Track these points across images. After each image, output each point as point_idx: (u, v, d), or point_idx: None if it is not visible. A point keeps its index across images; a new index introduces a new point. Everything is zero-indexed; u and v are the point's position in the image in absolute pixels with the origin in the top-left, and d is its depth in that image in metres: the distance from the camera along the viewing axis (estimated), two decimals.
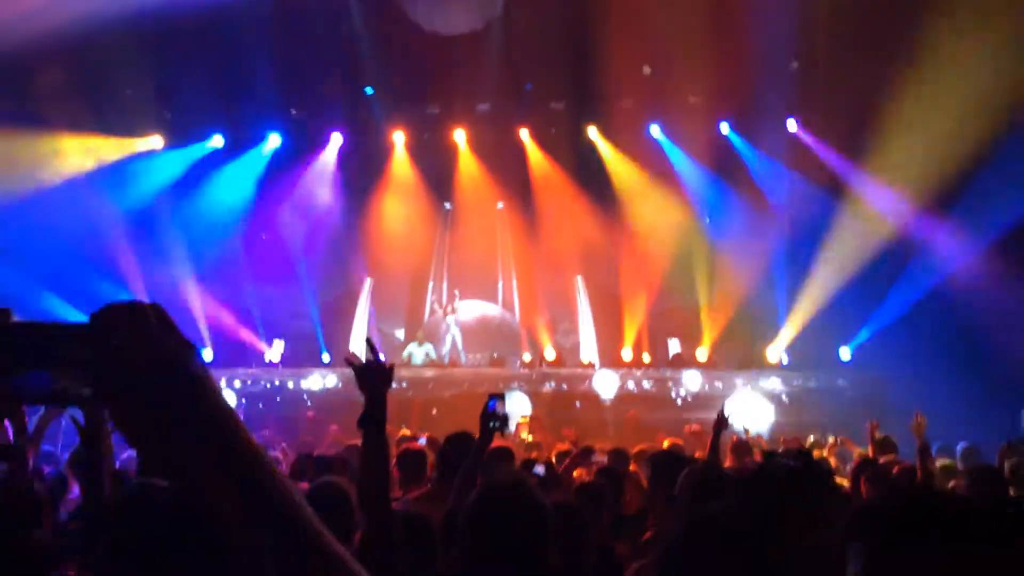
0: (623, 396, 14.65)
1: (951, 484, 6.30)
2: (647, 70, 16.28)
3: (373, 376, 3.09)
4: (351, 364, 3.18)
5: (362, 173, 17.83)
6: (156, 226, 16.21)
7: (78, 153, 15.44)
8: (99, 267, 14.97)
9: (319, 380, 14.93)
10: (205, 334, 16.23)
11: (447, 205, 18.68)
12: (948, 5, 12.45)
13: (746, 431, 9.76)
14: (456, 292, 17.94)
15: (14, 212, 13.38)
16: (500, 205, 18.41)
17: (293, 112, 17.41)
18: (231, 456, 0.98)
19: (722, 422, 5.98)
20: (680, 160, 16.96)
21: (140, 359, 0.96)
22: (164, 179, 16.61)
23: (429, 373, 15.32)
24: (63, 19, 12.07)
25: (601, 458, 7.33)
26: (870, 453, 7.15)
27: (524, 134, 17.80)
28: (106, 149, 15.94)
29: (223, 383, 14.58)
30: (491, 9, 16.26)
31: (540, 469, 5.76)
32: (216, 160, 17.18)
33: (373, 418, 3.06)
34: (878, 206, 15.02)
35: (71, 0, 12.42)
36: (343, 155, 17.76)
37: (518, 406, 12.97)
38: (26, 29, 11.59)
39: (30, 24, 11.69)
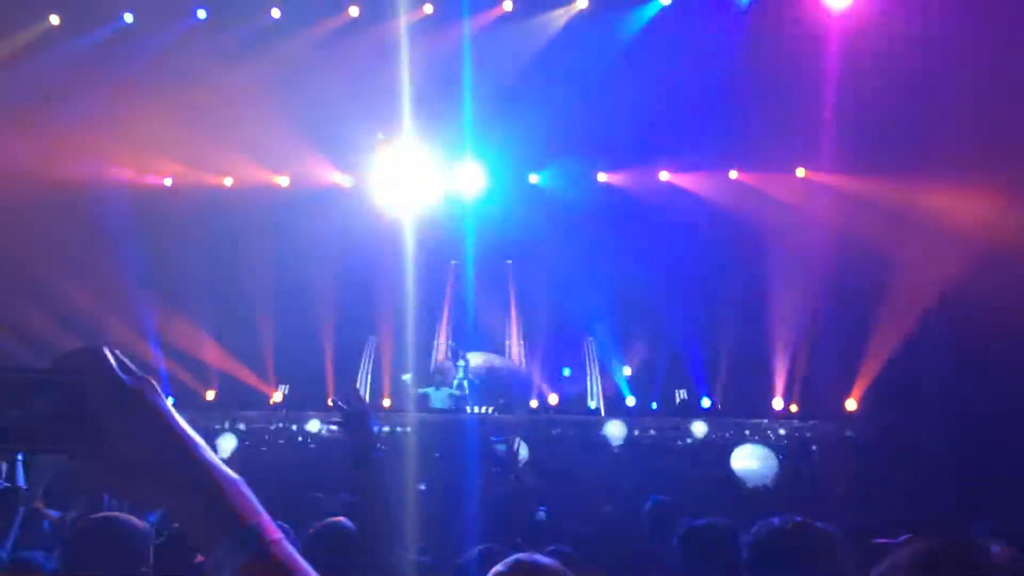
0: (630, 444, 14.51)
1: None
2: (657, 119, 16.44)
3: (358, 421, 3.09)
4: (336, 405, 3.20)
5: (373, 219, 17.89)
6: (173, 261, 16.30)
7: None
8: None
9: (318, 424, 14.84)
10: (211, 374, 16.36)
11: (453, 262, 18.90)
12: None
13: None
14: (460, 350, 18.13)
15: None
16: (509, 262, 18.56)
17: (304, 153, 17.57)
18: (202, 486, 1.04)
19: None
20: (691, 206, 16.94)
21: (107, 402, 1.01)
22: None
23: (435, 418, 15.24)
24: None
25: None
26: None
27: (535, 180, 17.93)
28: None
29: (227, 424, 14.56)
30: None
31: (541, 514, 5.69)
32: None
33: (366, 459, 3.04)
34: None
35: None
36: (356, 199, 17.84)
37: (523, 452, 12.86)
38: None
39: None
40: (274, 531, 1.05)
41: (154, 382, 1.06)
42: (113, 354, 1.04)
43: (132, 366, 1.05)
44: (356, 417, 3.12)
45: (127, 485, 1.04)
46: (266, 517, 1.07)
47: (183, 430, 1.05)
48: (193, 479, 1.03)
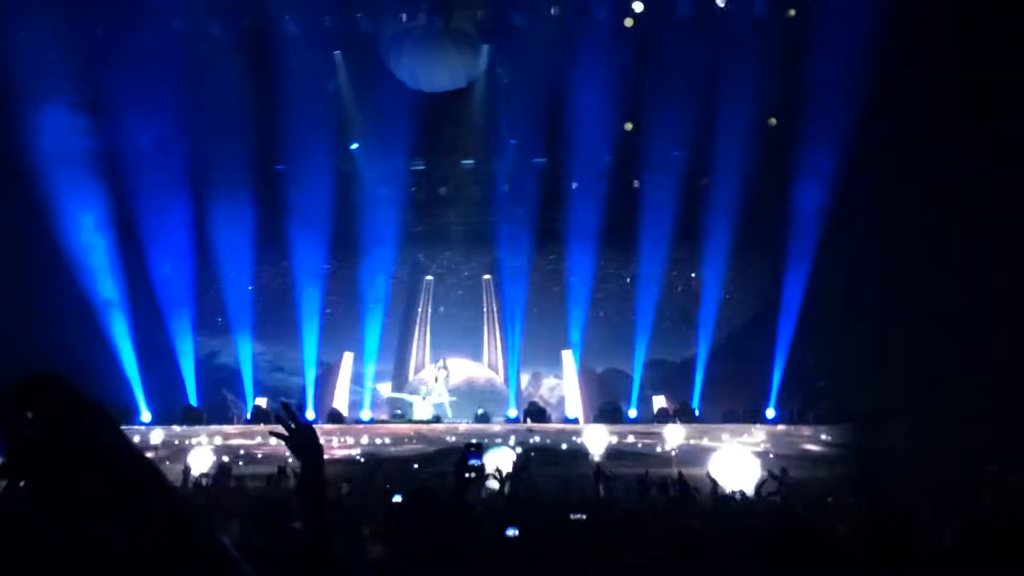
0: (610, 451, 14.53)
1: None
2: (629, 126, 16.56)
3: (302, 440, 2.80)
4: (274, 434, 2.83)
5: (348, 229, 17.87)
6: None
7: None
8: None
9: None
10: (191, 390, 16.29)
11: (429, 277, 18.99)
12: None
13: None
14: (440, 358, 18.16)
15: None
16: (486, 276, 18.69)
17: (278, 167, 17.52)
18: (153, 514, 1.05)
19: None
20: (665, 215, 17.00)
21: (53, 430, 1.02)
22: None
23: (413, 429, 15.23)
24: None
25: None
26: None
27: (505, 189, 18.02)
28: None
29: (204, 439, 14.46)
30: (474, 68, 16.58)
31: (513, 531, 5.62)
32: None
33: (312, 483, 2.78)
34: None
35: None
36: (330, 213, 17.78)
37: (503, 461, 12.83)
38: None
39: None
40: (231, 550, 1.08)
41: (104, 407, 1.07)
42: (64, 382, 1.05)
43: (84, 399, 1.06)
44: (302, 435, 2.86)
45: (80, 508, 1.04)
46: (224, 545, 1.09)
47: (137, 451, 1.07)
48: (144, 501, 1.05)
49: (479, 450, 4.67)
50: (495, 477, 9.30)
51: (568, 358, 17.88)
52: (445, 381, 17.59)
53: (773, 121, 16.19)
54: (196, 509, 1.12)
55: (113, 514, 1.04)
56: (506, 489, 10.77)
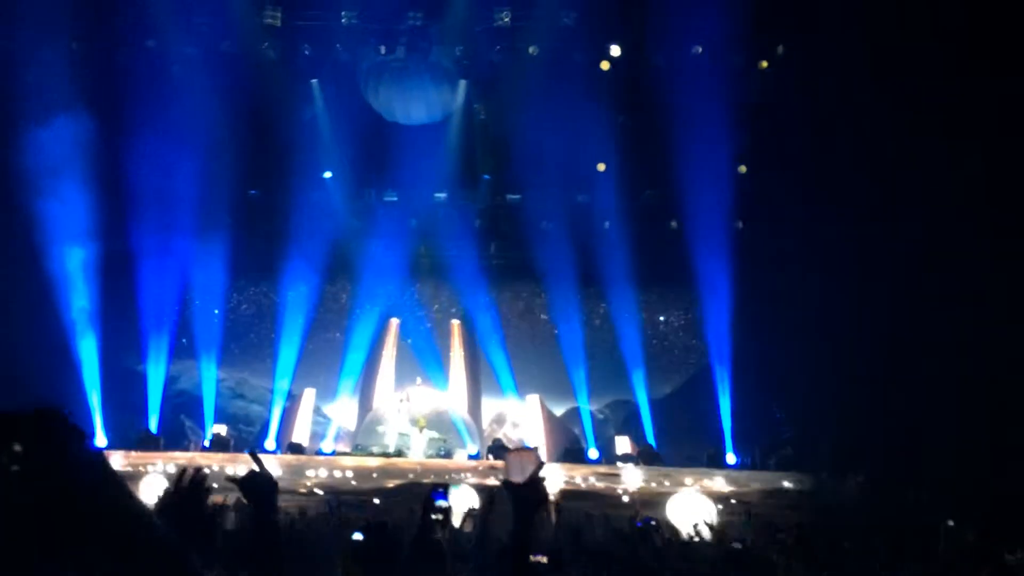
0: (568, 491, 14.46)
1: None
2: (602, 167, 16.76)
3: (258, 488, 2.70)
4: (233, 480, 2.73)
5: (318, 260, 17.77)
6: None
7: None
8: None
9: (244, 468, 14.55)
10: (153, 419, 15.98)
11: (395, 319, 18.97)
12: None
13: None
14: (418, 379, 18.01)
15: None
16: (455, 321, 18.70)
17: (251, 192, 17.45)
18: (140, 553, 1.04)
19: None
20: (629, 258, 17.15)
21: (40, 469, 1.01)
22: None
23: (375, 463, 15.04)
24: None
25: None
26: None
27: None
28: None
29: (160, 465, 14.17)
30: (450, 103, 16.72)
31: None
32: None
33: (268, 526, 2.69)
34: None
35: None
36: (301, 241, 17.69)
37: (465, 500, 12.72)
38: None
39: None
40: None
41: (104, 452, 1.06)
42: (55, 417, 1.04)
43: (76, 432, 1.06)
44: (261, 487, 2.75)
45: (59, 541, 1.02)
46: None
47: (124, 500, 1.06)
48: (137, 553, 1.04)
49: (446, 489, 4.64)
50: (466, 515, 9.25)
51: (533, 400, 17.87)
52: (408, 411, 17.42)
53: (743, 168, 16.44)
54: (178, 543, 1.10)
55: (91, 547, 1.02)
56: (466, 528, 10.68)
